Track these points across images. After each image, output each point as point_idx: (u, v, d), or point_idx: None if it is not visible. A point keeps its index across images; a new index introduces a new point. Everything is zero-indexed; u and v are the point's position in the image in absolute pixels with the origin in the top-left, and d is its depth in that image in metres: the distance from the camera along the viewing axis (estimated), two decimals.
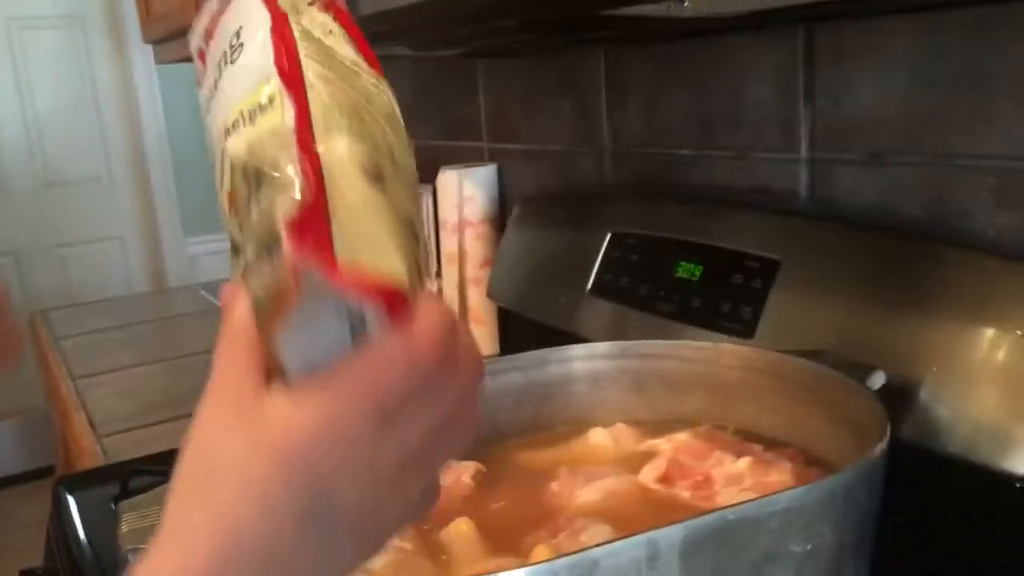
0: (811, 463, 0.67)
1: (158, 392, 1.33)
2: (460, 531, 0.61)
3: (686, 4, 0.59)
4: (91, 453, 1.15)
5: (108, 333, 1.75)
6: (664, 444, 0.73)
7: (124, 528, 0.51)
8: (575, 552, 0.44)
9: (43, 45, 3.36)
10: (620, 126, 1.13)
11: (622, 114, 1.12)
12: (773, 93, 0.90)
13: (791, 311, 0.80)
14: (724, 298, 0.86)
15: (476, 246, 1.32)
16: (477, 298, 1.32)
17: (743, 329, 0.83)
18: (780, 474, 0.65)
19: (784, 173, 0.90)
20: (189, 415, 0.97)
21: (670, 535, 0.46)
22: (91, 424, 1.23)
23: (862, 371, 0.66)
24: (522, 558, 0.57)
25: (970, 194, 0.74)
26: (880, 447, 0.54)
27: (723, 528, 0.48)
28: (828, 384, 0.66)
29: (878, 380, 0.67)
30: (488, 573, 0.44)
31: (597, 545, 0.44)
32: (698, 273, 0.91)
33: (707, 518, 0.48)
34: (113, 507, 0.90)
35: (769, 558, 0.49)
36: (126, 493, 0.89)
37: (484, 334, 1.33)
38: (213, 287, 2.14)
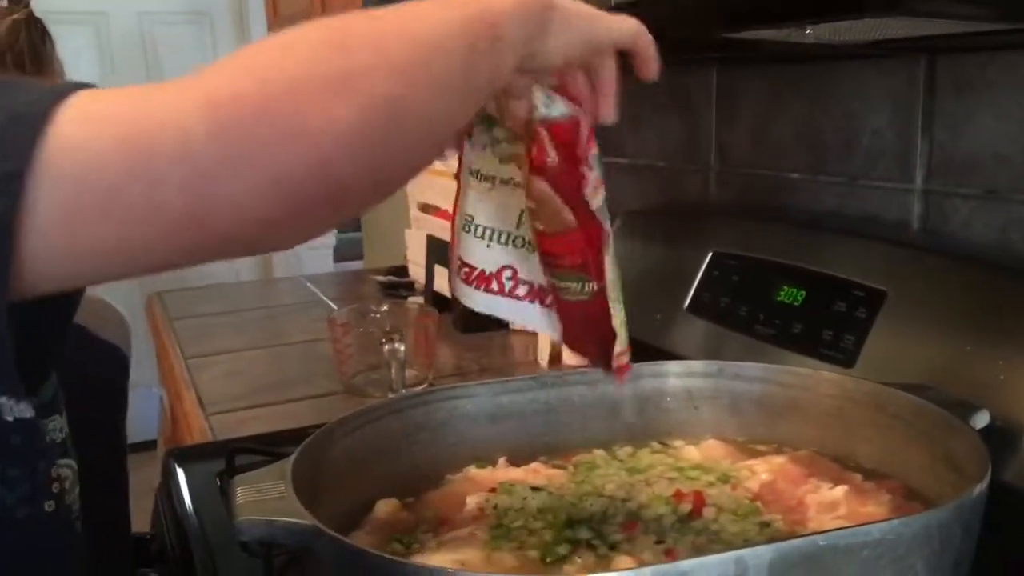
0: (911, 497, 0.66)
1: (263, 376, 1.40)
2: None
3: (808, 32, 0.59)
4: (199, 430, 1.21)
5: (218, 317, 1.84)
6: (760, 465, 0.73)
7: (239, 500, 0.54)
8: (665, 563, 0.45)
9: (172, 39, 3.54)
10: (728, 145, 1.13)
11: (731, 133, 1.12)
12: (890, 122, 0.89)
13: (895, 343, 0.79)
14: (826, 325, 0.86)
15: None
16: None
17: (844, 358, 0.82)
18: (877, 506, 0.65)
19: (897, 203, 0.89)
20: (291, 400, 1.02)
21: (759, 555, 0.47)
22: (200, 402, 1.29)
23: (965, 409, 0.65)
24: None
25: None
26: (980, 487, 0.53)
27: (814, 553, 0.48)
28: (929, 419, 0.65)
29: (982, 420, 0.65)
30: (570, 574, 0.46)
31: (675, 553, 0.45)
32: (800, 298, 0.90)
33: (798, 541, 0.48)
34: (218, 482, 0.96)
35: None
36: (231, 469, 0.95)
37: None
38: (317, 279, 2.22)
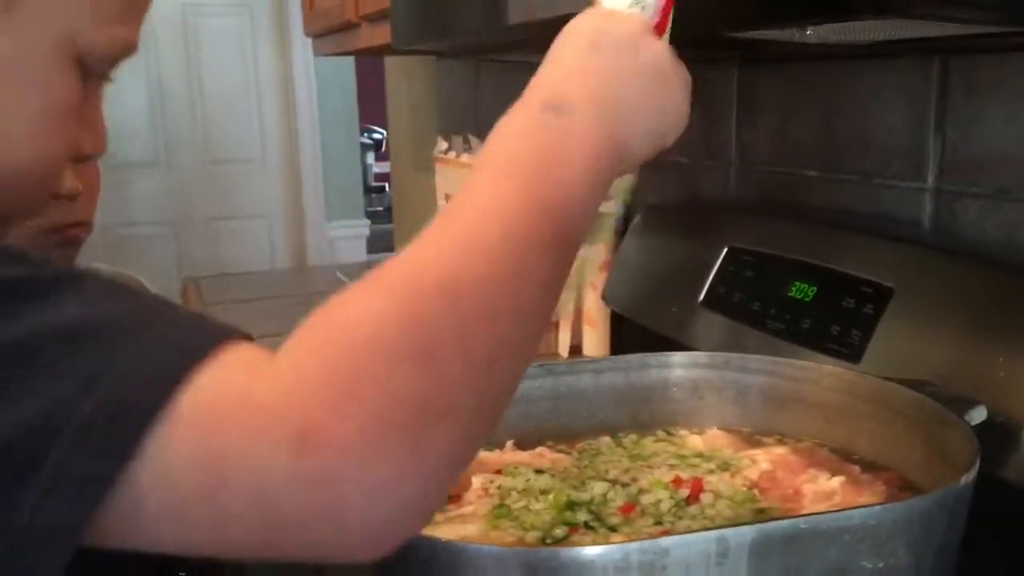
0: (907, 489, 0.68)
1: None
2: None
3: (808, 32, 0.60)
4: None
5: (251, 304, 1.89)
6: (761, 455, 0.75)
7: None
8: (647, 539, 0.47)
9: (213, 31, 3.61)
10: (748, 143, 1.14)
11: (751, 131, 1.13)
12: (903, 121, 0.90)
13: (900, 340, 0.80)
14: (835, 321, 0.87)
15: (596, 250, 1.36)
16: (593, 302, 1.36)
17: (850, 353, 0.84)
18: (872, 496, 0.66)
19: (909, 202, 0.90)
20: None
21: (741, 535, 0.49)
22: None
23: (963, 404, 0.66)
24: None
25: None
26: (965, 479, 0.54)
27: (795, 535, 0.50)
28: (926, 414, 0.67)
29: (979, 415, 0.66)
30: (565, 548, 0.48)
31: (669, 534, 0.47)
32: (811, 294, 0.91)
33: (780, 523, 0.50)
34: None
35: (839, 571, 0.51)
36: None
37: (596, 337, 1.37)
38: (349, 269, 2.27)
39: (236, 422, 0.35)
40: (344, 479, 0.34)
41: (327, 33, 1.97)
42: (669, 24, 0.53)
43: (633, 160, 0.49)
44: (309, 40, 2.21)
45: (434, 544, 0.51)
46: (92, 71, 0.49)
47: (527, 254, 0.41)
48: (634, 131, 0.48)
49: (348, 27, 1.77)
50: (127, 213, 3.51)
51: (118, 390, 0.34)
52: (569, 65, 0.49)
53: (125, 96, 3.41)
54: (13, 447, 0.33)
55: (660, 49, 0.51)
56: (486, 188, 0.44)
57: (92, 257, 1.10)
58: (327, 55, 2.10)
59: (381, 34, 1.54)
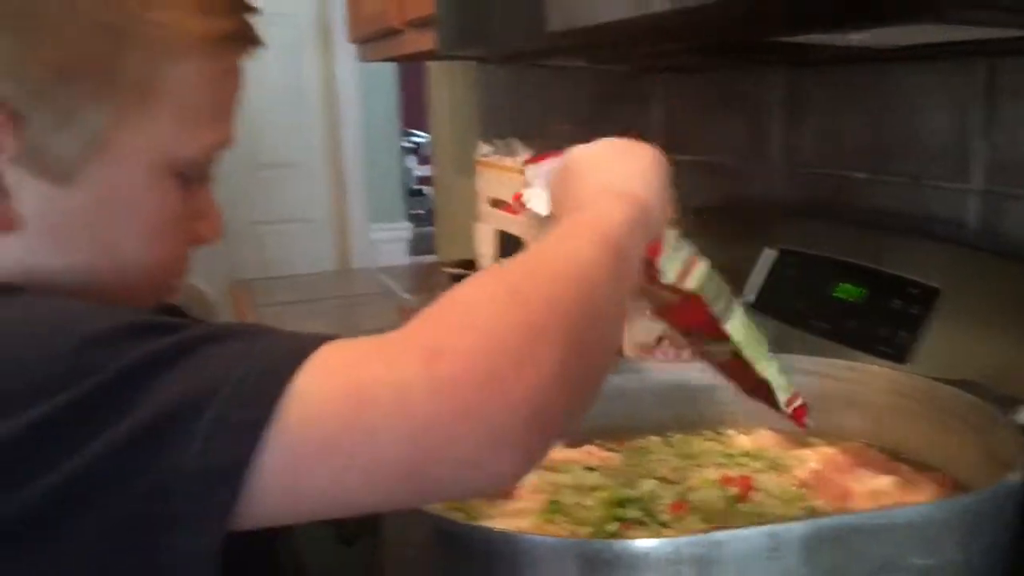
0: (957, 489, 0.68)
1: None
2: None
3: (852, 37, 0.61)
4: None
5: (297, 306, 1.92)
6: (810, 454, 0.75)
7: None
8: (700, 532, 0.48)
9: None
10: (794, 145, 1.14)
11: (797, 133, 1.13)
12: (950, 123, 0.90)
13: (948, 340, 0.80)
14: (882, 322, 0.87)
15: None
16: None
17: (898, 354, 0.84)
18: (921, 495, 0.67)
19: (955, 203, 0.90)
20: None
21: (792, 530, 0.50)
22: None
23: (1011, 404, 0.66)
24: None
25: None
26: (1014, 476, 0.55)
27: (845, 531, 0.51)
28: (975, 414, 0.67)
29: None
30: (619, 540, 0.50)
31: (722, 529, 0.49)
32: (858, 295, 0.92)
33: (830, 519, 0.51)
34: None
35: (889, 566, 0.52)
36: None
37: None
38: (390, 271, 2.30)
39: (369, 352, 0.41)
40: (473, 380, 0.40)
41: (371, 39, 2.00)
42: None
43: (650, 208, 0.57)
44: (352, 46, 2.25)
45: (492, 535, 0.53)
46: (192, 176, 0.55)
47: (595, 270, 0.49)
48: (636, 185, 0.58)
49: (392, 33, 1.80)
50: None
51: (264, 358, 0.41)
52: (568, 192, 0.59)
53: None
54: (180, 408, 0.39)
55: (611, 142, 0.62)
56: (553, 243, 0.52)
57: None
58: (373, 60, 2.13)
59: (425, 40, 1.56)
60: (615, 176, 0.58)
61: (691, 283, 0.62)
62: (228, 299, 2.13)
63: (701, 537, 0.49)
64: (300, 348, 0.41)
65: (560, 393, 0.42)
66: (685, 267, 0.63)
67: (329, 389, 0.40)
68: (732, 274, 1.12)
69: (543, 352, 0.41)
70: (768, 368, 0.65)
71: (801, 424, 0.66)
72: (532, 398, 0.40)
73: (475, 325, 0.42)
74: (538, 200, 0.63)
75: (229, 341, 0.42)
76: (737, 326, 0.64)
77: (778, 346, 0.97)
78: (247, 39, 0.57)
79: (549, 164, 0.63)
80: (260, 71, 3.26)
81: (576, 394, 0.44)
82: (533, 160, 0.65)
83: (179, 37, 0.51)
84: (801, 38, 0.68)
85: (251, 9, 0.57)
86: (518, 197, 0.65)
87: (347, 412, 0.40)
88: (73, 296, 0.49)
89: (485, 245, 1.91)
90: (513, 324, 0.42)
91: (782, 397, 0.66)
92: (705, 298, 0.62)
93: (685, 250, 0.63)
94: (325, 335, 0.43)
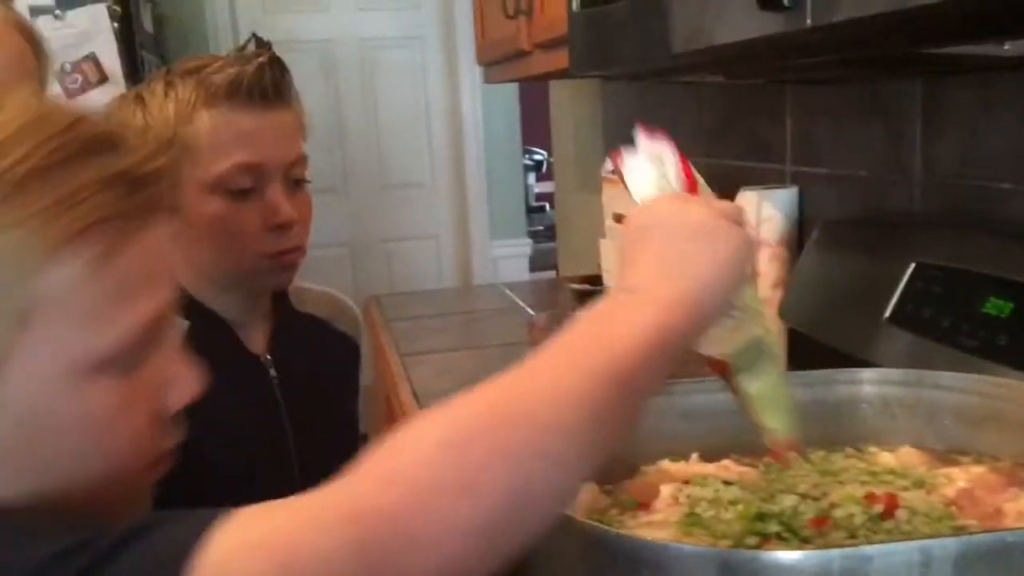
0: None
1: (470, 374, 1.50)
2: None
3: (1006, 47, 0.60)
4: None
5: (426, 320, 1.99)
6: (958, 472, 0.73)
7: None
8: (851, 545, 0.48)
9: (387, 62, 3.82)
10: (934, 155, 1.11)
11: (937, 143, 1.10)
12: None
13: None
14: None
15: (771, 267, 1.35)
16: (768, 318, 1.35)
17: None
18: None
19: None
20: None
21: (946, 546, 0.49)
22: (415, 395, 1.42)
23: None
24: None
25: None
26: None
27: (1002, 550, 0.50)
28: None
29: None
30: (766, 552, 0.50)
31: (873, 543, 0.48)
32: (1008, 310, 0.88)
33: (985, 536, 0.50)
34: None
35: None
36: None
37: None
38: (514, 286, 2.34)
39: (291, 519, 0.41)
40: (389, 535, 0.39)
41: (499, 61, 2.06)
42: (698, 180, 0.59)
43: (704, 310, 0.53)
44: (476, 67, 2.31)
45: (637, 543, 0.54)
46: (128, 362, 0.50)
47: (584, 383, 0.46)
48: (698, 285, 0.53)
49: (520, 55, 1.84)
50: (310, 236, 3.75)
51: (164, 546, 0.40)
52: (635, 257, 0.56)
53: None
54: None
55: (700, 211, 0.56)
56: (567, 339, 0.50)
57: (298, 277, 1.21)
58: (497, 82, 2.19)
59: (554, 60, 1.60)
60: (687, 263, 0.53)
61: (725, 348, 0.60)
62: (364, 315, 2.22)
63: (851, 551, 0.49)
64: (198, 527, 0.40)
65: (485, 549, 0.41)
66: (729, 333, 0.60)
67: (260, 561, 0.39)
68: (868, 288, 1.10)
69: (465, 507, 0.40)
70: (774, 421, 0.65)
71: (778, 459, 0.67)
72: (451, 557, 0.40)
73: (400, 476, 0.41)
74: (638, 178, 0.59)
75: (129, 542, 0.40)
76: (758, 390, 0.63)
77: (921, 363, 0.95)
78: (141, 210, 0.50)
79: (665, 148, 0.59)
80: (388, 93, 3.41)
81: (507, 547, 0.43)
82: (650, 132, 0.60)
83: (33, 250, 0.46)
84: (955, 49, 0.66)
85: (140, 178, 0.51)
86: (618, 157, 0.60)
87: None
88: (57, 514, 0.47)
89: (609, 260, 1.92)
90: (439, 476, 0.41)
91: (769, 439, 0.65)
92: (732, 366, 0.61)
93: (736, 315, 0.59)
94: (220, 509, 0.41)
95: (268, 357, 1.05)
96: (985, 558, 0.50)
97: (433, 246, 3.99)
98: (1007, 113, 0.99)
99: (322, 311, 1.14)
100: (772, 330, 0.63)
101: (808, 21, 0.63)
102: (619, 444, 0.48)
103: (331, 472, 1.12)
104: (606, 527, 0.57)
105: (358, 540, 0.40)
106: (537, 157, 5.29)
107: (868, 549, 0.49)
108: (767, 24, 0.69)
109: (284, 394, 1.04)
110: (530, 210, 4.95)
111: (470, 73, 3.62)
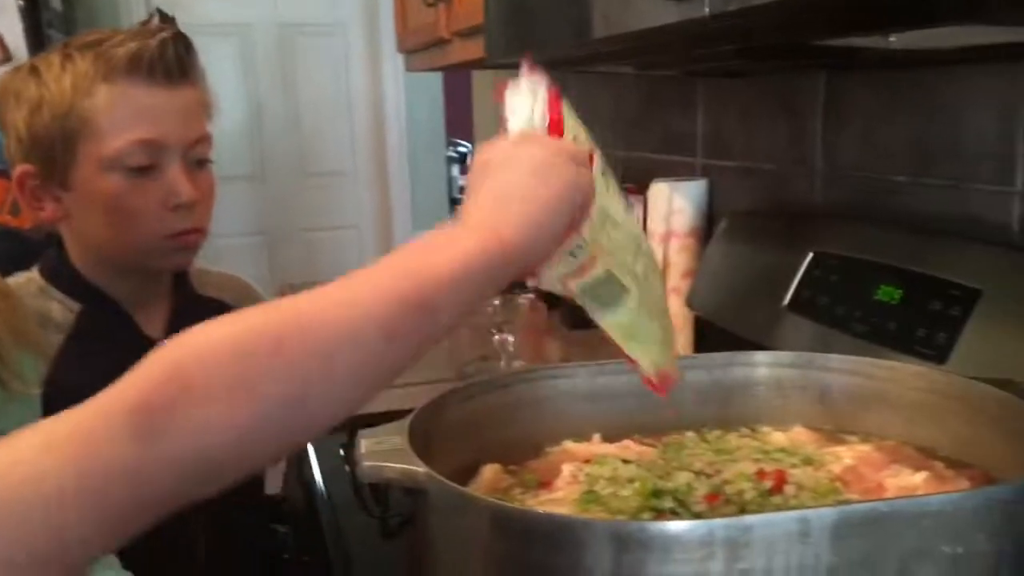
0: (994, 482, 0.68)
1: None
2: None
3: (892, 39, 0.63)
4: None
5: None
6: (844, 451, 0.76)
7: (363, 449, 0.63)
8: (730, 515, 0.50)
9: (308, 49, 3.76)
10: (835, 149, 1.15)
11: (837, 137, 1.14)
12: (993, 126, 0.90)
13: (987, 341, 0.81)
14: (921, 323, 0.88)
15: (680, 257, 1.38)
16: (676, 307, 1.38)
17: (936, 355, 0.84)
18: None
19: (998, 205, 0.90)
20: (409, 384, 1.12)
21: (823, 516, 0.51)
22: None
23: None
24: None
25: None
26: None
27: (875, 518, 0.52)
28: (1010, 411, 0.67)
29: None
30: (654, 522, 0.52)
31: (750, 512, 0.50)
32: (897, 297, 0.92)
33: (860, 506, 0.52)
34: (342, 453, 1.05)
35: (918, 554, 0.52)
36: (353, 442, 1.04)
37: (680, 342, 1.39)
38: None
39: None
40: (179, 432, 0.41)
41: (419, 49, 2.04)
42: (565, 119, 0.60)
43: (530, 243, 0.53)
44: (399, 56, 2.29)
45: (531, 515, 0.55)
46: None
47: (380, 303, 0.47)
48: (525, 219, 0.53)
49: (440, 43, 1.84)
50: (225, 224, 3.67)
51: None
52: (474, 192, 0.56)
53: (224, 111, 3.58)
54: None
55: (538, 148, 0.56)
56: (383, 262, 0.50)
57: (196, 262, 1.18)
58: (419, 71, 2.17)
59: (472, 49, 1.59)
60: (518, 198, 0.53)
61: (571, 285, 0.60)
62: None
63: (733, 520, 0.51)
64: None
65: (251, 453, 0.43)
66: (576, 271, 0.59)
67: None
68: (770, 277, 1.13)
69: (239, 409, 0.42)
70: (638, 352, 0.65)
71: (661, 392, 0.66)
72: (221, 450, 0.42)
73: (182, 375, 0.43)
74: (512, 112, 0.58)
75: None
76: (615, 322, 0.62)
77: (818, 348, 0.99)
78: None
79: (540, 85, 0.58)
80: (309, 80, 3.34)
81: (279, 451, 0.45)
82: (532, 67, 0.59)
83: None
84: (844, 41, 0.69)
85: None
86: (503, 90, 0.60)
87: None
88: None
89: None
90: (225, 379, 0.42)
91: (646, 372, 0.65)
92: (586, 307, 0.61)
93: (582, 254, 0.59)
94: None
95: (165, 341, 1.02)
96: (859, 527, 0.52)
97: (354, 236, 3.94)
98: (902, 109, 1.03)
99: (226, 295, 1.12)
100: (635, 270, 0.63)
101: (706, 10, 0.65)
102: (412, 365, 0.49)
103: None
104: (500, 501, 0.58)
105: (133, 426, 0.41)
106: (462, 149, 5.28)
107: (749, 519, 0.51)
108: (669, 13, 0.71)
109: None
110: (454, 202, 4.94)
111: (393, 61, 3.59)
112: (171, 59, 0.94)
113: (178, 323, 1.04)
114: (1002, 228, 0.90)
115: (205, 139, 0.99)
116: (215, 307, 1.12)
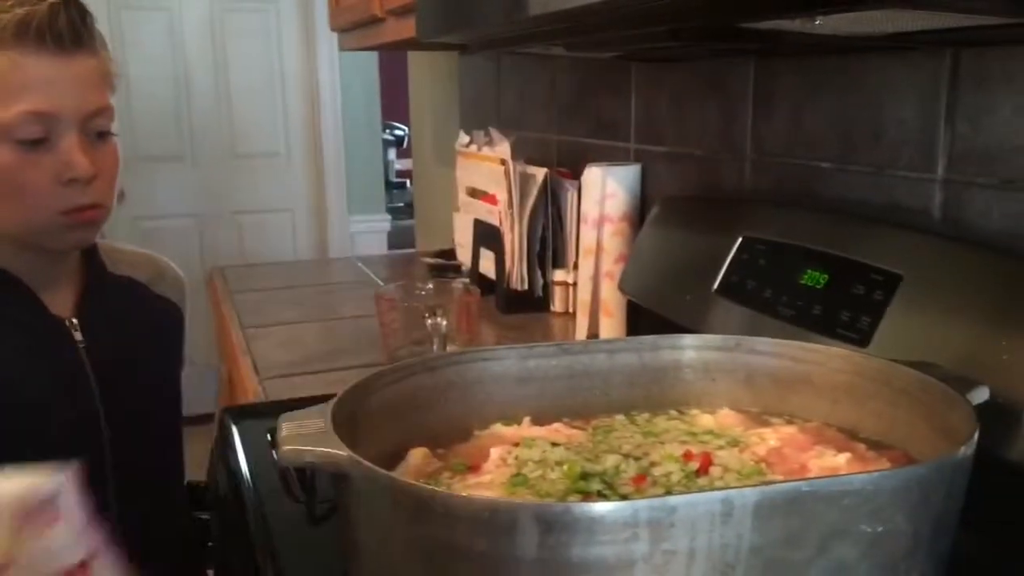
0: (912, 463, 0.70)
1: (314, 346, 1.48)
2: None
3: (817, 21, 0.63)
4: (254, 393, 1.29)
5: (275, 292, 1.93)
6: (769, 433, 0.77)
7: (284, 433, 0.61)
8: (656, 496, 0.50)
9: (239, 26, 3.66)
10: (763, 135, 1.16)
11: (766, 123, 1.15)
12: (915, 113, 0.92)
13: (908, 325, 0.82)
14: (845, 307, 0.89)
15: (613, 241, 1.38)
16: (609, 291, 1.39)
17: (859, 338, 0.86)
18: None
19: (919, 192, 0.92)
20: (339, 368, 1.11)
21: (745, 496, 0.51)
22: (255, 368, 1.37)
23: (964, 384, 0.68)
24: None
25: None
26: (963, 450, 0.57)
27: (796, 498, 0.52)
28: (930, 394, 0.69)
29: (980, 395, 0.69)
30: (578, 504, 0.51)
31: (677, 494, 0.50)
32: (822, 281, 0.94)
33: (782, 486, 0.53)
34: (269, 438, 1.03)
35: (839, 532, 0.53)
36: None
37: (613, 326, 1.39)
38: (369, 260, 2.30)
39: None
40: None
41: (352, 28, 2.01)
42: None
43: None
44: (334, 35, 2.25)
45: (453, 499, 0.54)
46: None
47: None
48: None
49: (373, 21, 1.80)
50: (153, 206, 3.57)
51: None
52: None
53: (152, 90, 3.48)
54: None
55: None
56: None
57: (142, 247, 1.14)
58: (352, 50, 2.14)
59: (406, 28, 1.57)
60: None
61: None
62: (205, 285, 2.13)
63: (656, 501, 0.51)
64: None
65: None
66: None
67: None
68: (700, 262, 1.14)
69: None
70: None
71: None
72: None
73: None
74: None
75: None
76: None
77: (746, 331, 1.00)
78: None
79: None
80: (242, 60, 3.25)
81: None
82: None
83: None
84: (773, 24, 0.69)
85: None
86: None
87: None
88: None
89: (463, 234, 1.92)
90: None
91: None
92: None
93: None
94: None
95: (74, 320, 0.99)
96: (782, 507, 0.52)
97: (288, 219, 3.87)
98: (828, 96, 1.05)
99: (140, 272, 1.08)
100: None
101: None
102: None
103: (148, 442, 1.06)
104: (422, 484, 0.57)
105: None
106: (398, 132, 5.23)
107: (673, 500, 0.51)
108: None
109: (93, 359, 0.99)
110: (391, 186, 4.90)
111: (328, 41, 3.52)
112: (63, 26, 0.89)
113: (88, 303, 1.01)
114: (923, 213, 0.92)
115: (105, 110, 0.94)
116: (127, 285, 1.08)
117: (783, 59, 1.11)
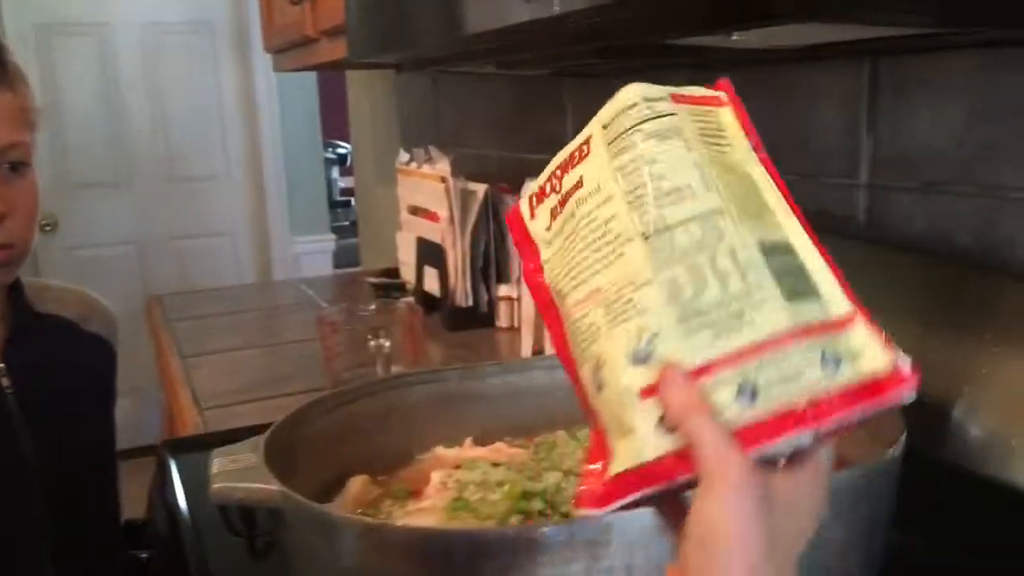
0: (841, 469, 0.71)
1: (257, 372, 1.45)
2: None
3: (734, 37, 0.64)
4: (194, 424, 1.27)
5: (216, 319, 1.89)
6: None
7: (215, 469, 0.60)
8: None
9: (173, 48, 3.61)
10: None
11: None
12: (838, 121, 0.94)
13: None
14: None
15: None
16: None
17: None
18: None
19: (844, 198, 0.94)
20: (283, 395, 1.08)
21: None
22: (195, 399, 1.35)
23: None
24: None
25: (1019, 224, 0.77)
26: (891, 453, 0.58)
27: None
28: None
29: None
30: (513, 528, 0.51)
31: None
32: None
33: None
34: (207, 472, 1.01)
35: None
36: None
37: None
38: (313, 282, 2.28)
39: None
40: None
41: (287, 48, 1.99)
42: None
43: None
44: (270, 56, 2.23)
45: (389, 531, 0.53)
46: None
47: None
48: None
49: (307, 42, 1.79)
50: (89, 234, 3.48)
51: None
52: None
53: (84, 115, 3.40)
54: None
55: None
56: None
57: (51, 276, 1.11)
58: (288, 71, 2.12)
59: (339, 48, 1.56)
60: None
61: None
62: (143, 314, 2.08)
63: (592, 523, 0.51)
64: None
65: None
66: None
67: None
68: None
69: None
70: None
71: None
72: None
73: None
74: None
75: None
76: None
77: None
78: None
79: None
80: (177, 82, 3.20)
81: None
82: None
83: None
84: (694, 40, 0.70)
85: None
86: None
87: None
88: None
89: (406, 253, 1.91)
90: None
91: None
92: None
93: None
94: None
95: (1, 365, 0.96)
96: None
97: (229, 243, 3.81)
98: (758, 105, 1.06)
99: (68, 310, 1.05)
100: None
101: (556, 8, 0.65)
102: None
103: (82, 486, 1.02)
104: (355, 516, 0.56)
105: None
106: (341, 150, 5.19)
107: (608, 519, 0.51)
108: (522, 11, 0.70)
109: (22, 403, 0.95)
110: (334, 205, 4.86)
111: (264, 61, 3.48)
112: None
113: (15, 344, 0.98)
114: (849, 220, 0.94)
115: (20, 145, 0.91)
116: (55, 324, 1.05)
117: (714, 71, 1.13)
